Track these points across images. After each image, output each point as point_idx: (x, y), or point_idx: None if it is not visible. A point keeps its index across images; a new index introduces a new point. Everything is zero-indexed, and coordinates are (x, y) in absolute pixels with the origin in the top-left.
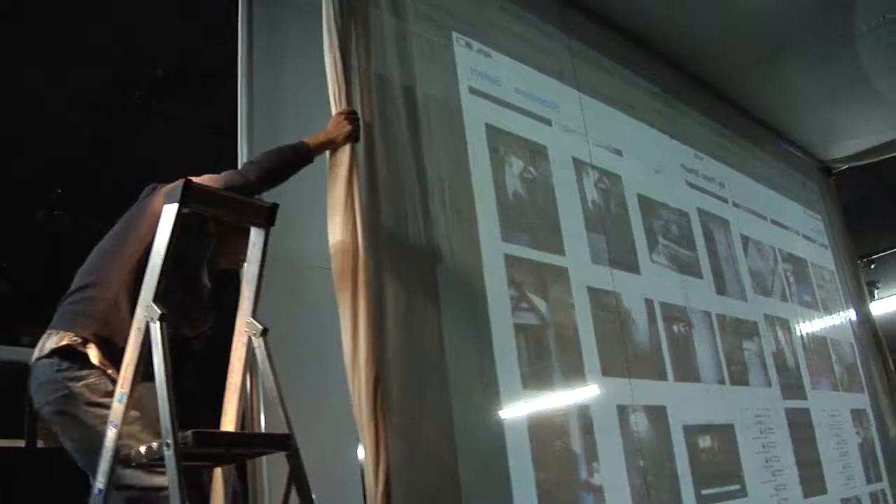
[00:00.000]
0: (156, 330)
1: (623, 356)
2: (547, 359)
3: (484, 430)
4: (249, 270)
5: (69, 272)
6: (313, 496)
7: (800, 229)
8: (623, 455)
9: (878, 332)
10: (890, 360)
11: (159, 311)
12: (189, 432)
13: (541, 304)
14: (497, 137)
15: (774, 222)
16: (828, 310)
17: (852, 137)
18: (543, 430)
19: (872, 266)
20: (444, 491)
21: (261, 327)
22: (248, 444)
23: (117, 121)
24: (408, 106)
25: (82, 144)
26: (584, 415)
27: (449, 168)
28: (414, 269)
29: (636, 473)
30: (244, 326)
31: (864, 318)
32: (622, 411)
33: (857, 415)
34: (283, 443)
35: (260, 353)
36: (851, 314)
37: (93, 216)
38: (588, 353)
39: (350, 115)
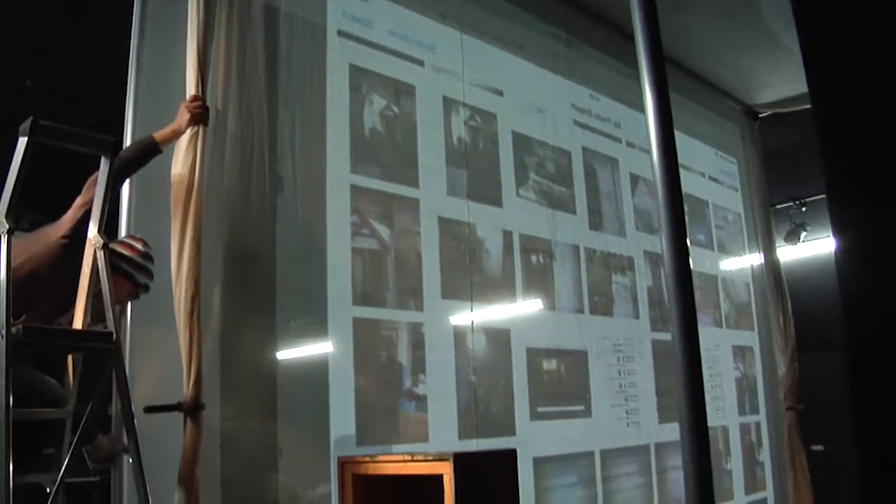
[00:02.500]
0: (3, 241)
1: (467, 281)
2: (383, 280)
3: (306, 338)
4: (97, 193)
5: None
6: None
7: (706, 171)
8: (454, 370)
9: (780, 274)
10: (789, 302)
11: (7, 226)
12: (20, 326)
13: (383, 231)
14: (361, 78)
15: None
16: (724, 250)
17: (775, 85)
18: (368, 342)
19: (804, 209)
20: (259, 386)
21: (102, 241)
22: (71, 337)
23: None
24: (267, 55)
25: None
26: (416, 331)
27: (304, 109)
28: (252, 200)
29: (466, 387)
30: (92, 240)
31: (769, 260)
32: (460, 330)
33: (741, 351)
34: (106, 337)
35: (101, 262)
36: (753, 256)
37: None
38: (430, 277)
39: (192, 104)
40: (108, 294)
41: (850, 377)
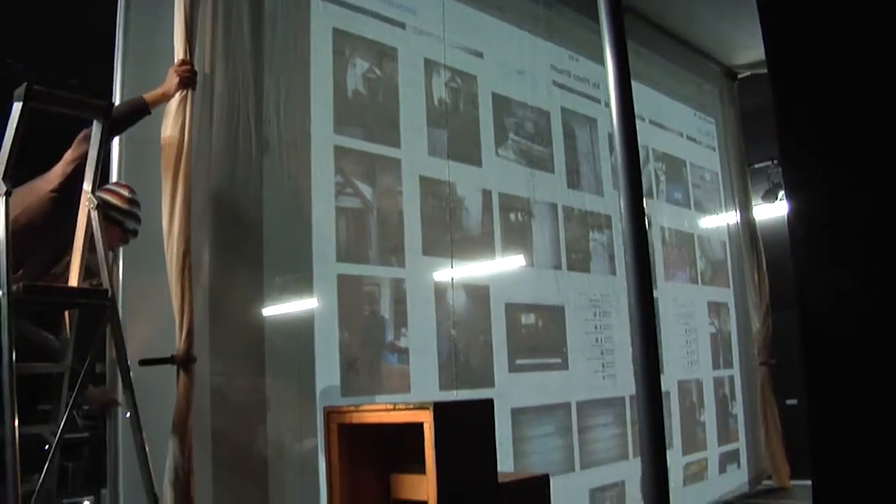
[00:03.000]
0: (1, 203)
1: (447, 239)
2: (365, 238)
3: (292, 295)
4: (91, 155)
5: None
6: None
7: (684, 130)
8: (435, 324)
9: (756, 232)
10: (764, 260)
11: (5, 188)
12: (21, 284)
13: (366, 190)
14: (344, 41)
15: (653, 122)
16: (701, 208)
17: (754, 46)
18: (352, 297)
19: (780, 169)
20: (247, 340)
21: (97, 201)
22: (69, 294)
23: None
24: (252, 20)
25: None
26: (398, 287)
27: (288, 73)
28: (240, 163)
29: (446, 340)
30: (86, 201)
31: (745, 219)
32: (440, 287)
33: (716, 307)
34: (102, 294)
35: (94, 222)
36: (730, 214)
37: None
38: (411, 235)
39: (180, 68)
40: (102, 253)
41: (802, 335)
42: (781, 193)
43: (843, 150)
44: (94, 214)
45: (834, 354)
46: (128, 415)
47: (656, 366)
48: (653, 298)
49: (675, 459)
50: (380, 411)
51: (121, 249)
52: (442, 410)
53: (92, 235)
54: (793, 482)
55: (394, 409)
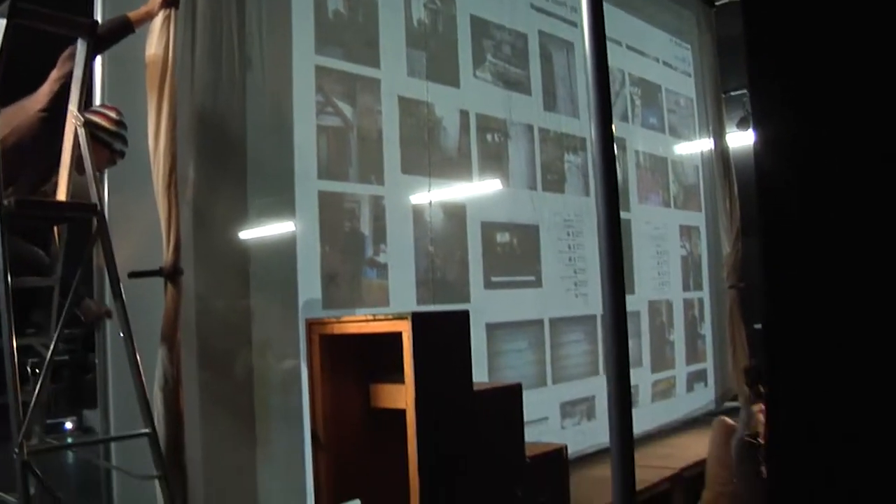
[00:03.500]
0: None
1: (425, 158)
2: (346, 156)
3: (275, 210)
4: (76, 74)
5: None
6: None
7: (660, 56)
8: (413, 241)
9: (729, 158)
10: (736, 186)
11: None
12: (12, 199)
13: (347, 109)
14: None
15: (630, 48)
16: (675, 133)
17: None
18: (333, 214)
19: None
20: (231, 253)
21: (83, 119)
22: (60, 209)
23: None
24: None
25: None
26: (377, 204)
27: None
28: (223, 80)
29: (424, 257)
30: (72, 118)
31: (719, 145)
32: (418, 205)
33: (688, 231)
34: (91, 208)
35: (81, 140)
36: (704, 140)
37: None
38: (390, 153)
39: None
40: (90, 168)
41: (764, 260)
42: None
43: (813, 79)
44: (81, 132)
45: (795, 281)
46: (120, 334)
47: (622, 288)
48: (620, 223)
49: (645, 377)
50: (360, 322)
51: None
52: (420, 320)
53: (79, 154)
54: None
55: (373, 320)
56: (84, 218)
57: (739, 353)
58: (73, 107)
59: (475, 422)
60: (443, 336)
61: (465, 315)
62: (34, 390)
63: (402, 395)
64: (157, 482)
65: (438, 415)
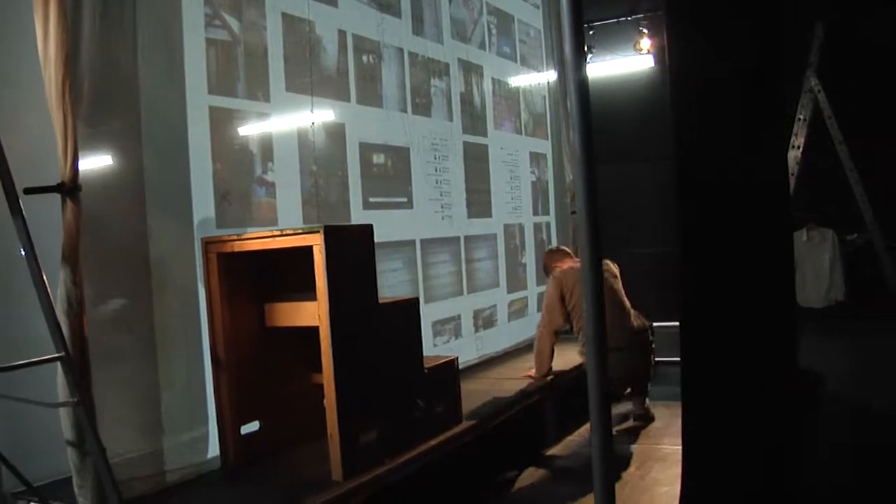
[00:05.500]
0: None
1: (308, 77)
2: (234, 72)
3: (169, 128)
4: None
5: None
6: None
7: None
8: (298, 160)
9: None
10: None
11: None
12: None
13: (234, 23)
14: None
15: None
16: (526, 63)
17: None
18: (223, 132)
19: (591, 32)
20: (128, 169)
21: None
22: None
23: None
24: None
25: None
26: (263, 121)
27: None
28: None
29: (308, 176)
30: None
31: (562, 76)
32: (302, 122)
33: (536, 158)
34: None
35: None
36: (551, 71)
37: None
38: (275, 71)
39: None
40: None
41: (678, 189)
42: (590, 56)
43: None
44: None
45: (706, 211)
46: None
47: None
48: (597, 187)
49: (501, 297)
50: (266, 238)
51: None
52: (332, 232)
53: None
54: None
55: (282, 235)
56: None
57: None
58: None
59: (381, 335)
60: (350, 249)
61: (369, 229)
62: None
63: (300, 313)
64: (62, 410)
65: (351, 329)
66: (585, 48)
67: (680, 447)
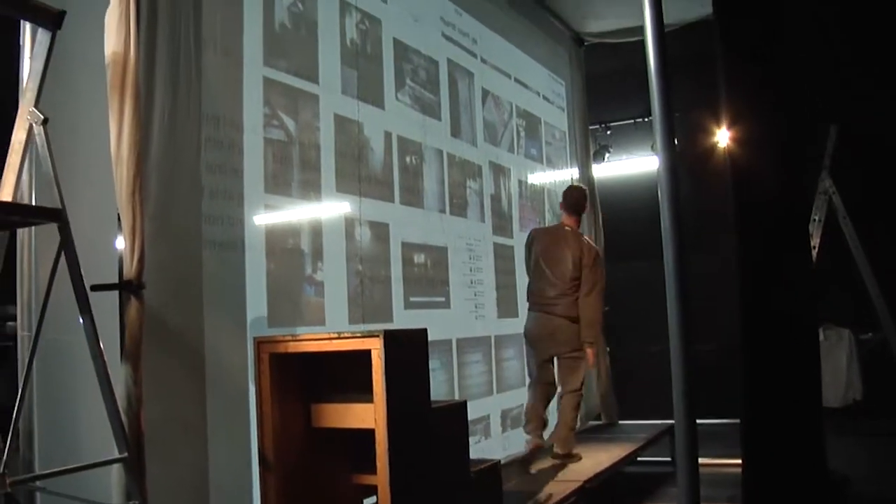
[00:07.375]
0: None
1: (356, 177)
2: (289, 171)
3: (226, 223)
4: (34, 67)
5: None
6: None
7: (541, 90)
8: (345, 259)
9: (594, 189)
10: (601, 215)
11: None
12: None
13: (290, 124)
14: None
15: (518, 81)
16: (551, 164)
17: (606, 17)
18: (278, 230)
19: (609, 132)
20: (188, 266)
21: (42, 117)
22: (22, 213)
23: None
24: None
25: None
26: (315, 221)
27: (224, 4)
28: (180, 88)
29: (354, 275)
30: (27, 115)
31: (585, 176)
32: (350, 222)
33: None
34: (55, 214)
35: (40, 139)
36: (574, 171)
37: None
38: (326, 170)
39: None
40: (53, 170)
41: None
42: (608, 155)
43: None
44: (40, 130)
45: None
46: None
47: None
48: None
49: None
50: (321, 340)
51: None
52: (391, 337)
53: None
54: (622, 422)
55: (338, 338)
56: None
57: (603, 376)
58: (28, 102)
59: (433, 438)
60: (406, 354)
61: (423, 333)
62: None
63: (350, 415)
64: None
65: (406, 432)
66: (599, 146)
67: None
